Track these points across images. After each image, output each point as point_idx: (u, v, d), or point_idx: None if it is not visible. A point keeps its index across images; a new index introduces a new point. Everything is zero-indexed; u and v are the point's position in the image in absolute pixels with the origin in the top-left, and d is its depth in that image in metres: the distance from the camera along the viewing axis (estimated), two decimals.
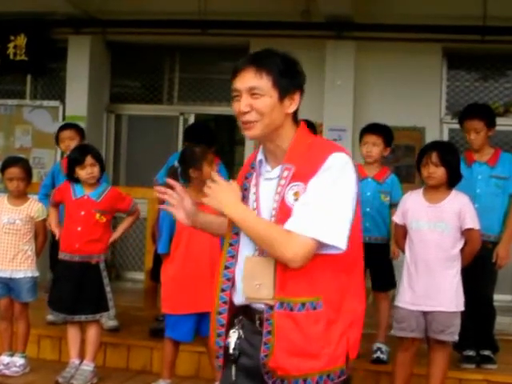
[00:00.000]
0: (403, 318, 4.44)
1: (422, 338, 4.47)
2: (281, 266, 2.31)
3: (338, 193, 2.29)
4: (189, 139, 5.88)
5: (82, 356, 5.05)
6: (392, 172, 5.45)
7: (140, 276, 7.74)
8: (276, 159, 2.45)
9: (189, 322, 4.60)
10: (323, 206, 2.26)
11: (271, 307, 2.33)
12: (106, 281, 5.00)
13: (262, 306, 2.36)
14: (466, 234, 4.42)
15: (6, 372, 5.16)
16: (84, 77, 8.08)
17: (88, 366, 4.99)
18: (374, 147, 5.23)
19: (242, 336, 2.46)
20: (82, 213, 4.95)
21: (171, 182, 2.71)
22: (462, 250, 4.45)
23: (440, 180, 4.41)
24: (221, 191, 2.42)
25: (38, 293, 5.24)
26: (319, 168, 2.30)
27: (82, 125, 6.72)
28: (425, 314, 4.39)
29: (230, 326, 2.49)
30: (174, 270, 4.63)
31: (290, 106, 2.41)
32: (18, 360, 5.23)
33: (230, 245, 2.50)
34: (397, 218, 4.64)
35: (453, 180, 4.46)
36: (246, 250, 2.45)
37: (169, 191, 2.66)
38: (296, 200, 2.31)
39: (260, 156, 2.52)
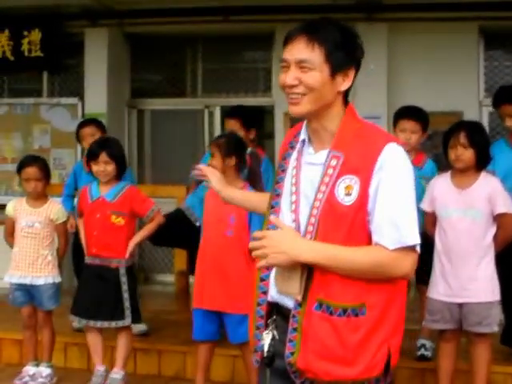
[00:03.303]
0: (437, 310, 4.29)
1: (457, 328, 4.27)
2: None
3: (407, 191, 2.20)
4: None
5: (104, 362, 4.84)
6: (429, 158, 5.15)
7: (170, 278, 7.63)
8: (320, 141, 2.26)
9: (211, 319, 4.45)
10: (403, 210, 2.18)
11: (300, 304, 2.20)
12: (124, 287, 4.69)
13: (291, 303, 2.24)
14: (498, 219, 4.22)
15: None
16: (102, 71, 7.81)
17: (118, 373, 4.76)
18: (413, 135, 4.94)
19: (276, 337, 2.28)
20: (98, 215, 4.71)
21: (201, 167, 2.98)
22: (495, 236, 4.25)
23: (468, 162, 4.22)
24: (278, 242, 2.15)
25: (60, 299, 5.01)
26: (374, 162, 2.15)
27: (103, 122, 6.44)
28: (460, 306, 4.21)
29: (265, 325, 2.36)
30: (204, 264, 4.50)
31: (343, 83, 2.23)
32: (45, 370, 5.03)
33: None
34: (425, 205, 4.44)
35: (482, 162, 4.26)
36: None
37: (206, 169, 2.95)
38: (347, 195, 2.15)
39: (303, 135, 2.31)
